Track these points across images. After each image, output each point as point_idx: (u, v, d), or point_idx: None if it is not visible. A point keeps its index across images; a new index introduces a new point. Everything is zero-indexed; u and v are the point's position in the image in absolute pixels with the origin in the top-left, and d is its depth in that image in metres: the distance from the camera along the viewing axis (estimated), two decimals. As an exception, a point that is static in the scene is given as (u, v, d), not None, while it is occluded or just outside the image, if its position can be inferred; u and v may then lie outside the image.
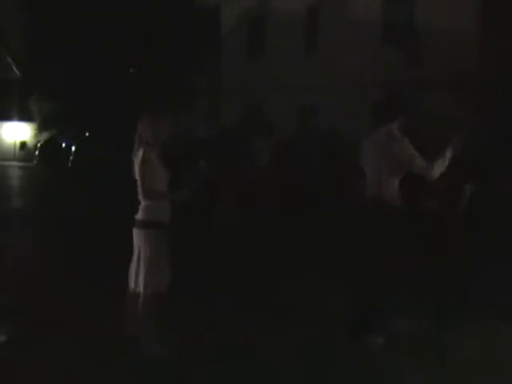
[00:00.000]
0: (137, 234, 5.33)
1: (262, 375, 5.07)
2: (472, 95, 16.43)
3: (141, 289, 5.26)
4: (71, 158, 23.72)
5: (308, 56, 21.68)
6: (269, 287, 7.75)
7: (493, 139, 14.59)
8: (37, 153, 29.11)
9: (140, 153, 5.29)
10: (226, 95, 24.38)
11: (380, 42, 19.45)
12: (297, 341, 5.86)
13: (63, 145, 26.00)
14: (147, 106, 5.70)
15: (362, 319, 5.88)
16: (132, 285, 5.36)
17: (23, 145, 35.10)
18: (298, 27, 22.00)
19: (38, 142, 30.62)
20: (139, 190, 5.30)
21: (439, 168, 5.77)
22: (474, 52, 16.86)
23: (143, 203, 5.32)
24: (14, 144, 35.12)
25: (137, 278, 5.30)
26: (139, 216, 5.33)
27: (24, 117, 34.91)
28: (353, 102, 18.55)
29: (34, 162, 29.30)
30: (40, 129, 33.92)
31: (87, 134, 25.15)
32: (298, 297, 7.35)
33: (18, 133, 35.25)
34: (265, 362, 5.34)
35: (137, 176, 5.30)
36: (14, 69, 33.85)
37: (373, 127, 6.10)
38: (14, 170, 28.33)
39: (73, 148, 24.07)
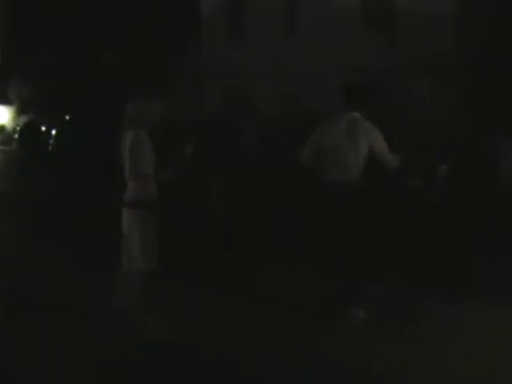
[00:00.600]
0: (126, 214, 5.47)
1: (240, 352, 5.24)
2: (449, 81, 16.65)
3: (132, 265, 5.43)
4: (51, 141, 23.61)
5: (287, 38, 21.76)
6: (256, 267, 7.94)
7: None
8: (16, 136, 28.92)
9: (130, 135, 5.40)
10: (210, 78, 24.37)
11: (359, 25, 19.59)
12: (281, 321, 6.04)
13: (43, 129, 25.83)
14: (137, 89, 5.76)
15: (343, 295, 5.99)
16: (123, 261, 5.52)
17: (1, 128, 34.84)
18: (278, 9, 22.07)
19: (17, 125, 30.42)
20: (128, 171, 5.41)
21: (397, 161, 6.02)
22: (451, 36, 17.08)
23: (132, 183, 5.44)
24: (-8, 127, 34.88)
25: (127, 256, 5.47)
26: (128, 196, 5.46)
27: (2, 100, 34.66)
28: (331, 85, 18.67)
29: (13, 145, 29.13)
30: (19, 112, 33.69)
31: (67, 118, 25.01)
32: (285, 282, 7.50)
33: (-4, 116, 35.04)
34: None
35: (126, 157, 5.41)
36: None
37: (340, 113, 6.14)
38: (-7, 154, 28.18)
39: (53, 132, 23.94)
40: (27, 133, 26.85)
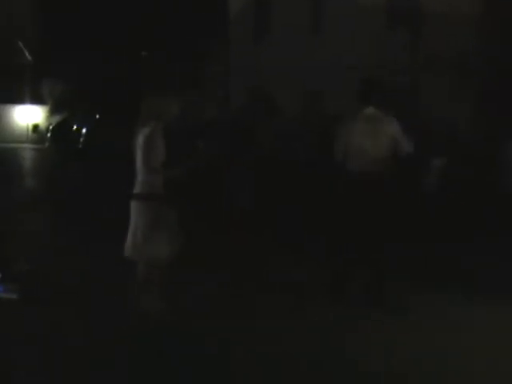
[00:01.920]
0: (136, 207, 5.62)
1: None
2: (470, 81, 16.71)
3: (142, 255, 5.58)
4: (81, 139, 24.12)
5: (313, 38, 21.94)
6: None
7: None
8: (48, 135, 29.51)
9: (146, 129, 5.52)
10: (234, 77, 24.67)
11: (384, 24, 19.70)
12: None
13: (74, 127, 26.39)
14: (154, 85, 6.00)
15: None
16: (131, 252, 5.63)
17: (35, 127, 35.49)
18: (304, 8, 22.27)
19: (50, 124, 31.02)
20: (141, 165, 5.53)
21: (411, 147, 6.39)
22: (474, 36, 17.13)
23: (144, 177, 5.55)
24: (27, 127, 35.53)
25: (136, 246, 5.58)
26: (139, 190, 5.59)
27: (36, 100, 35.34)
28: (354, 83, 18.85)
29: (46, 144, 29.74)
30: (52, 112, 34.33)
31: (98, 116, 25.52)
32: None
33: (30, 116, 35.66)
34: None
35: (140, 151, 5.51)
36: (26, 53, 34.26)
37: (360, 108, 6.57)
38: (27, 152, 28.82)
39: (83, 130, 24.46)
40: (59, 131, 27.36)
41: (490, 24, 16.73)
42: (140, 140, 5.55)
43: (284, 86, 21.11)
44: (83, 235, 9.13)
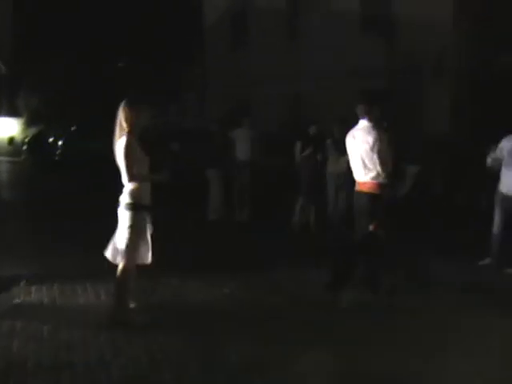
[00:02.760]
0: (123, 215, 5.72)
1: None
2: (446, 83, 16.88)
3: (127, 262, 5.72)
4: (58, 152, 23.96)
5: (290, 45, 22.08)
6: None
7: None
8: (24, 148, 29.30)
9: (122, 140, 5.63)
10: (211, 86, 24.72)
11: (360, 31, 19.88)
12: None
13: (50, 139, 26.20)
14: (128, 94, 6.05)
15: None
16: (116, 259, 5.78)
17: (11, 140, 35.23)
18: (280, 16, 22.42)
19: (26, 137, 30.80)
20: (124, 175, 5.65)
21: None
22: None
23: (129, 187, 5.68)
24: (2, 139, 35.26)
25: (120, 253, 5.72)
26: (126, 199, 5.70)
27: (11, 112, 35.12)
28: (336, 90, 19.00)
29: (22, 156, 29.51)
30: (27, 124, 34.14)
31: (73, 128, 25.37)
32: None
33: (5, 128, 35.39)
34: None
35: (120, 161, 5.65)
36: (1, 65, 34.04)
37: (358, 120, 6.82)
38: (3, 165, 28.57)
39: (59, 142, 24.30)
40: (35, 144, 27.18)
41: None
42: (118, 151, 5.67)
43: (261, 91, 21.24)
44: (61, 246, 9.03)
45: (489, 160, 8.51)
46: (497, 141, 8.57)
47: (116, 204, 5.80)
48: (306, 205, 10.91)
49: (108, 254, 5.83)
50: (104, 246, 5.85)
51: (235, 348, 5.21)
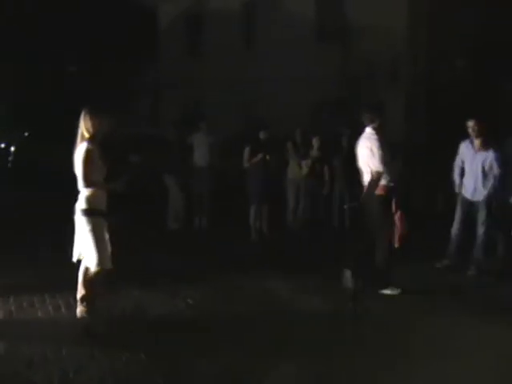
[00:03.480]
0: (80, 221, 5.78)
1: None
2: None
3: (90, 267, 5.81)
4: (9, 158, 23.51)
5: (246, 52, 22.05)
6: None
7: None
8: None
9: (82, 147, 5.70)
10: (165, 93, 24.49)
11: (313, 39, 20.00)
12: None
13: (2, 146, 25.67)
14: (88, 103, 5.98)
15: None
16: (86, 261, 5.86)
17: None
18: (236, 23, 22.38)
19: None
20: (81, 181, 5.72)
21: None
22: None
23: (85, 193, 5.76)
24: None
25: (91, 256, 5.78)
26: (82, 205, 5.77)
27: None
28: (292, 95, 19.05)
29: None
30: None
31: (26, 134, 24.94)
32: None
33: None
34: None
35: (77, 168, 5.73)
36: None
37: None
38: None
39: (12, 149, 23.86)
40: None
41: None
42: (77, 157, 5.74)
43: (216, 96, 21.16)
44: (16, 257, 8.75)
45: (455, 175, 8.67)
46: (453, 145, 8.71)
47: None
48: (258, 211, 10.79)
49: (75, 257, 5.92)
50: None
51: (202, 362, 5.09)
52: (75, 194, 5.82)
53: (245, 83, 20.64)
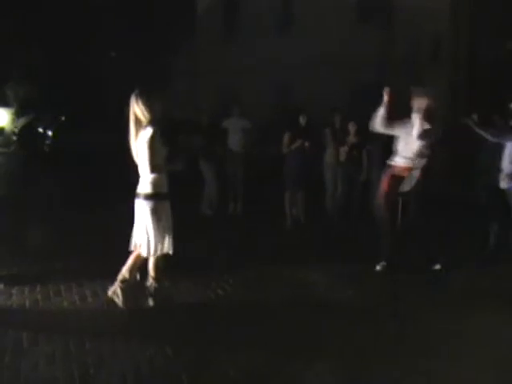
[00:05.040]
0: (143, 205, 5.77)
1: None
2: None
3: (150, 252, 5.81)
4: (47, 142, 23.59)
5: (283, 36, 21.69)
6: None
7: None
8: (14, 138, 28.85)
9: (147, 132, 5.66)
10: (203, 76, 24.29)
11: (353, 21, 19.54)
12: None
13: (40, 130, 25.78)
14: (141, 88, 5.86)
15: None
16: (140, 249, 5.85)
17: (1, 131, 34.68)
18: (273, 6, 22.02)
19: (16, 127, 30.31)
20: (146, 167, 5.70)
21: None
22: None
23: (149, 177, 5.74)
24: (-8, 130, 34.69)
25: (146, 243, 5.79)
26: (146, 189, 5.76)
27: (1, 102, 34.52)
28: (329, 79, 18.67)
29: (12, 147, 29.06)
30: (17, 114, 33.57)
31: (63, 119, 25.00)
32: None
33: (-5, 118, 34.81)
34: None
35: (142, 154, 5.72)
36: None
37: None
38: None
39: (49, 133, 23.93)
40: (25, 135, 26.75)
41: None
42: (141, 142, 5.72)
43: (253, 82, 20.90)
44: (50, 240, 8.61)
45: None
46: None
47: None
48: (294, 198, 10.55)
49: (136, 246, 5.90)
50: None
51: (231, 359, 4.83)
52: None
53: (282, 67, 20.33)
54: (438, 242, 7.88)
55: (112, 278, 6.00)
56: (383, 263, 7.49)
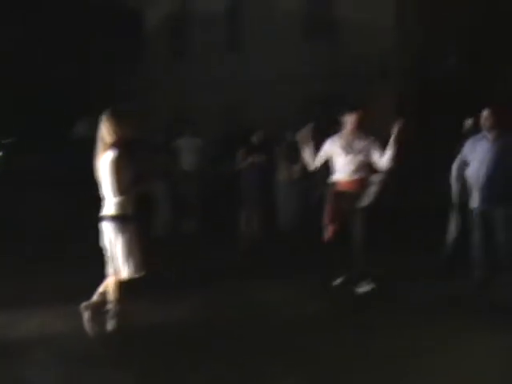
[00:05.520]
0: (110, 227, 5.67)
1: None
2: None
3: (121, 275, 5.72)
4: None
5: (232, 53, 21.74)
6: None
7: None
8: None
9: (108, 156, 5.57)
10: (154, 97, 24.15)
11: (300, 37, 19.72)
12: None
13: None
14: (110, 109, 5.79)
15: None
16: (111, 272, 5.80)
17: None
18: (221, 24, 22.08)
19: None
20: (111, 188, 5.61)
21: None
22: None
23: (115, 200, 5.65)
24: None
25: (114, 266, 5.74)
26: (111, 211, 5.68)
27: None
28: (280, 96, 18.78)
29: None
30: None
31: (12, 140, 24.58)
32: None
33: None
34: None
35: (105, 178, 5.64)
36: None
37: None
38: None
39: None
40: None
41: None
42: (103, 166, 5.64)
43: (204, 100, 20.90)
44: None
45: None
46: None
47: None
48: (250, 215, 10.56)
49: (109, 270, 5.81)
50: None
51: (190, 380, 4.81)
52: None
53: (232, 85, 20.36)
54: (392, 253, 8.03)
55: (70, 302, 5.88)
56: (341, 278, 7.49)
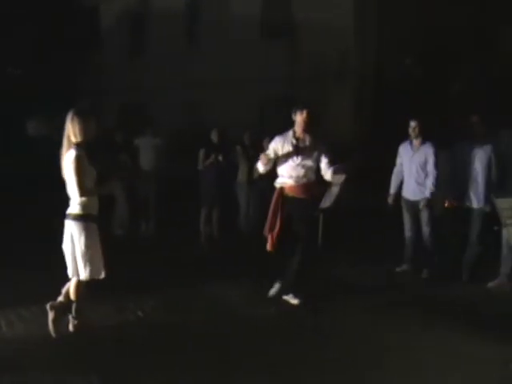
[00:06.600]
0: (72, 226, 5.60)
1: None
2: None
3: (81, 275, 5.61)
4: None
5: (190, 53, 21.64)
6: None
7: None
8: None
9: (70, 154, 5.49)
10: (110, 94, 23.89)
11: (258, 38, 19.73)
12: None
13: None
14: (76, 107, 5.70)
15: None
16: (72, 271, 5.67)
17: None
18: (179, 22, 21.96)
19: None
20: (75, 188, 5.50)
21: None
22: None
23: (79, 199, 5.56)
24: None
25: (74, 267, 5.63)
26: (75, 210, 5.59)
27: None
28: (237, 97, 18.78)
29: None
30: None
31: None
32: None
33: None
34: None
35: (69, 175, 5.53)
36: None
37: None
38: None
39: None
40: None
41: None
42: (67, 165, 5.56)
43: (161, 99, 20.77)
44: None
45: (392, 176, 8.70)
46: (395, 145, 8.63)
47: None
48: (210, 215, 10.57)
49: (69, 271, 5.69)
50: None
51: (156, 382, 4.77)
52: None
53: (190, 84, 20.28)
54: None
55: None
56: (275, 289, 7.21)
